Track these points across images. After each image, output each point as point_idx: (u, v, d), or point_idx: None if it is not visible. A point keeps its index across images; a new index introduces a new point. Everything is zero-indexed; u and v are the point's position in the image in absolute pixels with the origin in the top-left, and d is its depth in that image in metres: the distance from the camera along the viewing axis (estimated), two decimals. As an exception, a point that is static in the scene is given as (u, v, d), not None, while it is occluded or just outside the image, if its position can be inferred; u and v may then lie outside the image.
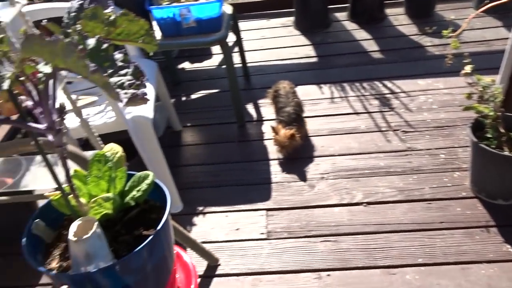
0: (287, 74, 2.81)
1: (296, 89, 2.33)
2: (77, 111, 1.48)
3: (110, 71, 0.62)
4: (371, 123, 2.31)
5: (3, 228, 1.91)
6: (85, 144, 1.83)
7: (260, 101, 2.60)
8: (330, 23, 3.29)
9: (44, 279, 1.76)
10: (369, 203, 1.87)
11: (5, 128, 2.36)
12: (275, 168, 2.14)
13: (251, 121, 2.49)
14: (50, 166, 0.79)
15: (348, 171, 2.05)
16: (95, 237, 0.78)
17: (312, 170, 2.09)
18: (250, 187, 2.05)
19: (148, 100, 0.64)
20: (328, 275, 1.63)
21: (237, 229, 1.86)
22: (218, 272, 1.70)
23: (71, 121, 1.72)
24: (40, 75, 0.61)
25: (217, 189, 2.08)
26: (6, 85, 0.57)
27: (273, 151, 2.23)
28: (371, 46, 2.97)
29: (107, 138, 1.55)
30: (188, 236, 1.65)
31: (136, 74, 0.62)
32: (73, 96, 1.63)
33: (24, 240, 0.84)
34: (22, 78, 0.61)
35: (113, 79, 0.61)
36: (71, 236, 0.77)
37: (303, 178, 2.06)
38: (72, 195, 0.82)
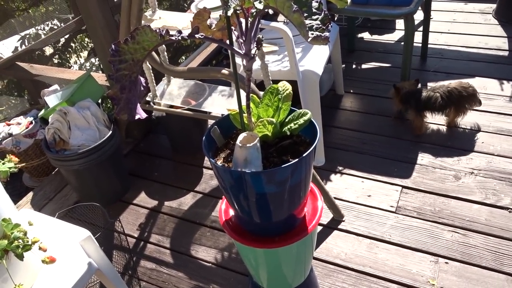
0: (468, 63, 2.68)
1: (467, 93, 2.12)
2: (261, 54, 1.74)
3: (306, 14, 0.80)
4: (548, 132, 2.10)
5: (178, 140, 2.37)
6: (258, 86, 2.13)
7: (429, 84, 2.55)
8: (537, 16, 2.95)
9: (200, 187, 2.15)
10: (515, 211, 1.78)
11: (202, 57, 2.83)
12: (424, 151, 2.15)
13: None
14: (237, 85, 1.03)
15: (503, 173, 1.95)
16: (254, 148, 1.01)
17: (463, 162, 2.04)
18: (393, 162, 2.12)
19: (328, 42, 0.79)
20: (446, 262, 1.65)
21: (369, 196, 1.97)
22: (340, 226, 1.86)
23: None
24: (253, 10, 0.83)
25: (360, 155, 2.19)
26: (230, 12, 0.80)
27: (426, 134, 2.22)
28: None
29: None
30: (323, 186, 1.83)
31: (324, 20, 0.79)
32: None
33: (204, 138, 1.12)
34: (239, 11, 0.83)
35: (306, 21, 0.79)
36: (238, 142, 1.01)
37: (450, 167, 2.03)
38: (246, 113, 1.06)
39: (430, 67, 2.70)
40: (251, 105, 1.09)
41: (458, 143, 2.15)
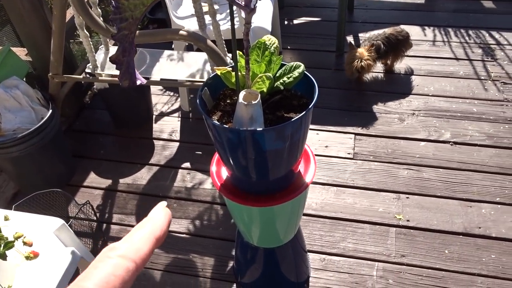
0: (391, 12, 2.83)
1: (402, 37, 2.26)
2: (213, 13, 1.66)
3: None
4: (471, 70, 2.33)
5: (121, 113, 2.22)
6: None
7: (360, 35, 2.66)
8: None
9: (154, 159, 2.05)
10: (456, 143, 1.97)
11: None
12: (368, 98, 2.26)
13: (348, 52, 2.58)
14: (234, 43, 0.97)
15: (440, 111, 2.13)
16: (258, 105, 0.98)
17: (405, 105, 2.19)
18: (342, 112, 2.20)
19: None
20: (407, 197, 1.79)
21: (326, 146, 2.04)
22: (305, 179, 1.91)
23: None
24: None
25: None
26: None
27: (367, 82, 2.34)
28: (483, -6, 2.89)
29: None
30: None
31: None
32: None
33: (198, 100, 1.05)
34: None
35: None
36: (242, 100, 0.97)
37: (394, 111, 2.17)
38: (243, 70, 1.02)
39: (359, 19, 2.81)
40: (242, 62, 1.04)
41: (397, 87, 2.30)
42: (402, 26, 2.64)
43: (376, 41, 2.22)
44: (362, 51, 2.17)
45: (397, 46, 2.25)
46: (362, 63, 2.16)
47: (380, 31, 2.31)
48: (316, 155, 2.00)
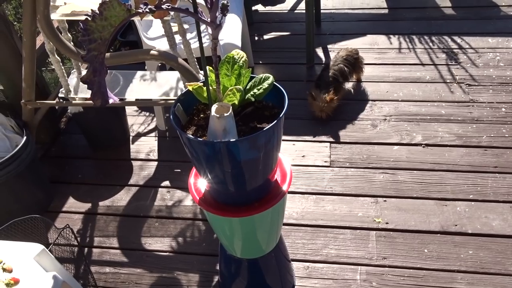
0: (357, 23, 2.92)
1: (356, 55, 2.34)
2: (183, 32, 1.69)
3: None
4: (436, 74, 2.42)
5: (97, 136, 2.22)
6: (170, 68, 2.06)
7: (329, 46, 2.74)
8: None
9: (133, 179, 2.05)
10: (427, 145, 2.04)
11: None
12: (340, 107, 2.31)
13: (319, 63, 2.65)
14: (204, 59, 1.00)
15: (410, 115, 2.20)
16: (231, 117, 1.00)
17: (376, 112, 2.25)
18: (316, 122, 2.25)
19: None
20: (385, 200, 1.83)
21: (303, 156, 2.08)
22: (284, 189, 1.94)
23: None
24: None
25: (285, 120, 2.28)
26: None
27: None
28: (443, 1, 3.01)
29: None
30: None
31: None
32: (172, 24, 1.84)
33: (171, 116, 1.08)
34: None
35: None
36: (214, 113, 1.00)
37: (367, 118, 2.23)
38: (214, 85, 1.05)
39: (326, 31, 2.89)
40: (213, 76, 1.07)
41: (367, 95, 2.37)
42: (369, 36, 2.76)
43: (338, 65, 2.26)
44: (320, 104, 2.17)
45: (355, 64, 2.34)
46: (323, 115, 2.21)
47: (336, 54, 2.37)
48: (293, 165, 2.03)
